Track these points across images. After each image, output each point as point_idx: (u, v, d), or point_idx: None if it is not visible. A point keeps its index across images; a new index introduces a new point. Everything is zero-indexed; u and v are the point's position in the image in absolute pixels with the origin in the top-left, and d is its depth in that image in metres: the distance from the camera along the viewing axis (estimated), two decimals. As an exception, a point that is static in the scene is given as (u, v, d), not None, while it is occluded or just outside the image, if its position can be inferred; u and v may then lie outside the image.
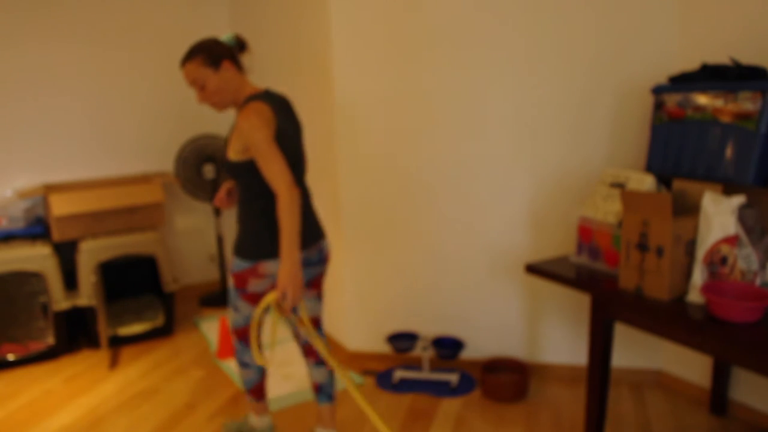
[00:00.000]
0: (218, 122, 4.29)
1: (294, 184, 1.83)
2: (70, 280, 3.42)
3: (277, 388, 2.84)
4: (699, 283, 1.81)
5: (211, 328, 3.61)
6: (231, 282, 2.07)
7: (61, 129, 3.76)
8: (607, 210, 2.14)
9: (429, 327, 3.02)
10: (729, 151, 1.94)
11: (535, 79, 2.65)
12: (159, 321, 3.52)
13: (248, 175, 1.93)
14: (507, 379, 2.69)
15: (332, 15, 2.84)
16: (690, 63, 2.41)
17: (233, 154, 1.93)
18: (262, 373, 2.29)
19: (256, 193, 1.96)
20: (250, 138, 1.83)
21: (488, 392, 2.71)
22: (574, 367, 2.87)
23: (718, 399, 2.46)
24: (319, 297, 2.22)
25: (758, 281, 1.79)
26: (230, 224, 4.46)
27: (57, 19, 3.67)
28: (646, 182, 2.08)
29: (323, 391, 2.26)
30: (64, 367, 3.18)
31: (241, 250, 2.01)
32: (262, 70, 3.81)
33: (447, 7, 2.68)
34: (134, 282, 3.92)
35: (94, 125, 3.86)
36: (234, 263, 2.03)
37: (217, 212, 4.08)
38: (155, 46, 3.99)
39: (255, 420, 2.34)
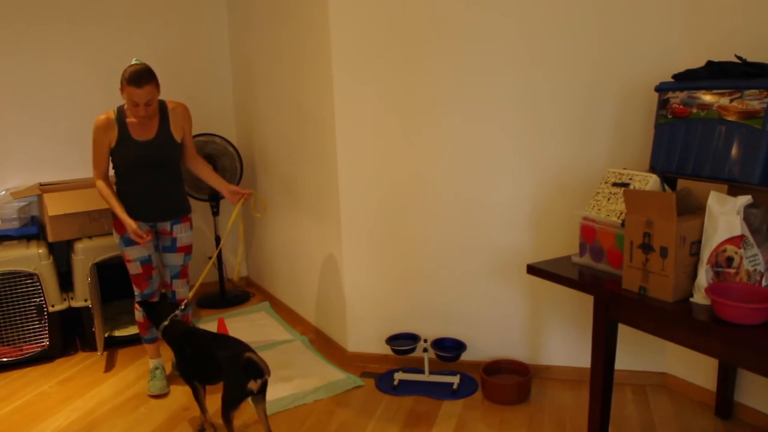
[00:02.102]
0: (216, 122, 4.26)
1: None
2: (66, 281, 3.39)
3: (275, 390, 2.80)
4: (704, 285, 1.78)
5: (209, 328, 3.57)
6: (185, 238, 2.83)
7: (55, 129, 3.74)
8: (611, 210, 2.11)
9: (429, 328, 2.98)
10: (734, 151, 1.91)
11: (538, 78, 2.62)
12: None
13: (179, 152, 2.75)
14: (509, 382, 2.66)
15: (331, 14, 2.81)
16: (694, 61, 2.38)
17: (177, 137, 2.72)
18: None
19: (179, 165, 2.78)
20: (191, 125, 2.80)
21: (490, 394, 2.67)
22: (577, 370, 2.84)
23: (724, 402, 2.43)
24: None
25: (764, 282, 1.76)
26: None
27: (53, 22, 3.64)
28: (649, 182, 2.05)
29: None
30: (60, 370, 3.14)
31: (184, 209, 2.84)
32: (263, 72, 3.78)
33: (449, 6, 2.65)
34: (130, 283, 3.87)
35: (89, 125, 3.83)
36: (186, 227, 2.83)
37: (216, 212, 4.05)
38: (152, 46, 3.96)
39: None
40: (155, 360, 2.93)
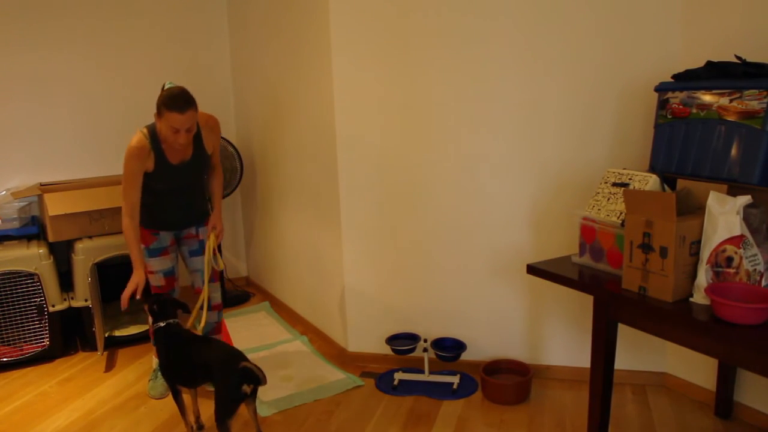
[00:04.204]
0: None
1: None
2: (66, 281, 3.39)
3: (275, 390, 2.80)
4: (704, 284, 1.78)
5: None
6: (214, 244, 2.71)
7: (56, 129, 3.74)
8: (611, 210, 2.11)
9: (429, 328, 2.98)
10: (734, 151, 1.91)
11: (538, 77, 2.62)
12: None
13: (210, 165, 2.69)
14: (509, 382, 2.66)
15: (331, 14, 2.81)
16: (694, 61, 2.38)
17: (209, 151, 2.62)
18: None
19: (204, 178, 2.71)
20: (219, 136, 2.68)
21: (490, 394, 2.67)
22: (577, 369, 2.84)
23: (724, 402, 2.43)
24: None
25: (764, 282, 1.76)
26: (229, 224, 4.43)
27: (53, 22, 3.64)
28: (649, 182, 2.05)
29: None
30: (60, 369, 3.14)
31: (208, 214, 2.77)
32: (263, 72, 3.78)
33: (450, 6, 2.65)
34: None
35: (90, 125, 3.84)
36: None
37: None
38: (152, 46, 3.96)
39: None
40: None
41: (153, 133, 2.43)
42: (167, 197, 2.58)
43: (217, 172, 2.76)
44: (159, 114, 2.32)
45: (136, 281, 2.45)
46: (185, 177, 2.56)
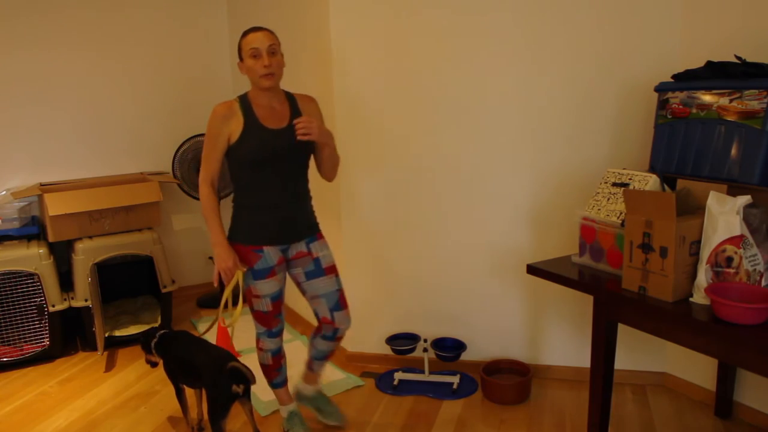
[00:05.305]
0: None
1: None
2: (66, 281, 3.38)
3: (275, 390, 2.80)
4: (704, 284, 1.78)
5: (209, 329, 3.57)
6: (329, 259, 2.31)
7: (56, 129, 3.74)
8: (611, 210, 2.11)
9: (429, 328, 2.98)
10: (734, 151, 1.91)
11: (537, 77, 2.62)
12: (156, 322, 3.48)
13: (312, 150, 2.23)
14: (509, 382, 2.66)
15: (331, 11, 2.81)
16: (693, 61, 2.38)
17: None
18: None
19: (306, 172, 2.26)
20: (322, 120, 2.31)
21: (490, 394, 2.68)
22: (577, 369, 2.84)
23: (723, 402, 2.43)
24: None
25: (764, 282, 1.76)
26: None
27: (53, 23, 3.64)
28: (649, 182, 2.05)
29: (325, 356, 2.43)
30: (60, 370, 3.14)
31: (317, 225, 2.33)
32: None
33: (449, 5, 2.65)
34: (131, 283, 3.88)
35: (90, 125, 3.84)
36: (323, 244, 2.31)
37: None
38: (152, 46, 3.96)
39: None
40: (289, 405, 2.44)
41: (243, 96, 2.19)
42: (267, 190, 2.16)
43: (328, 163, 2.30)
44: (240, 58, 2.14)
45: (219, 267, 2.14)
46: (283, 147, 2.14)
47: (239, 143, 2.11)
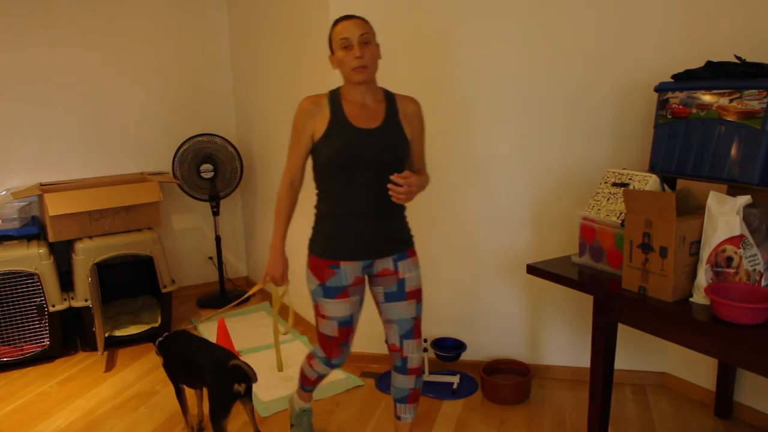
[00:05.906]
0: (216, 122, 4.26)
1: None
2: (66, 281, 3.38)
3: (275, 390, 2.80)
4: (704, 284, 1.78)
5: (210, 329, 3.57)
6: (416, 281, 2.03)
7: (56, 129, 3.74)
8: (610, 210, 2.11)
9: (429, 328, 2.98)
10: (734, 151, 1.91)
11: (537, 77, 2.62)
12: (156, 322, 3.48)
13: (408, 154, 1.98)
14: (509, 381, 2.66)
15: (331, 11, 2.81)
16: (694, 61, 2.38)
17: (407, 132, 1.97)
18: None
19: (403, 167, 1.97)
20: (423, 127, 2.04)
21: (490, 394, 2.68)
22: (577, 369, 2.84)
23: (723, 402, 2.43)
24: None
25: (764, 282, 1.76)
26: (230, 224, 4.42)
27: (53, 21, 3.64)
28: (649, 182, 2.05)
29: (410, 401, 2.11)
30: (60, 370, 3.14)
31: (410, 240, 2.05)
32: (263, 71, 3.78)
33: (448, 4, 2.65)
34: (131, 283, 3.88)
35: (90, 125, 3.84)
36: (413, 263, 2.03)
37: (216, 212, 4.05)
38: (152, 46, 3.97)
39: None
40: (305, 403, 2.35)
41: (335, 90, 1.99)
42: (353, 197, 1.92)
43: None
44: (331, 47, 1.94)
45: (267, 271, 2.04)
46: (373, 149, 1.88)
47: (322, 141, 1.89)
